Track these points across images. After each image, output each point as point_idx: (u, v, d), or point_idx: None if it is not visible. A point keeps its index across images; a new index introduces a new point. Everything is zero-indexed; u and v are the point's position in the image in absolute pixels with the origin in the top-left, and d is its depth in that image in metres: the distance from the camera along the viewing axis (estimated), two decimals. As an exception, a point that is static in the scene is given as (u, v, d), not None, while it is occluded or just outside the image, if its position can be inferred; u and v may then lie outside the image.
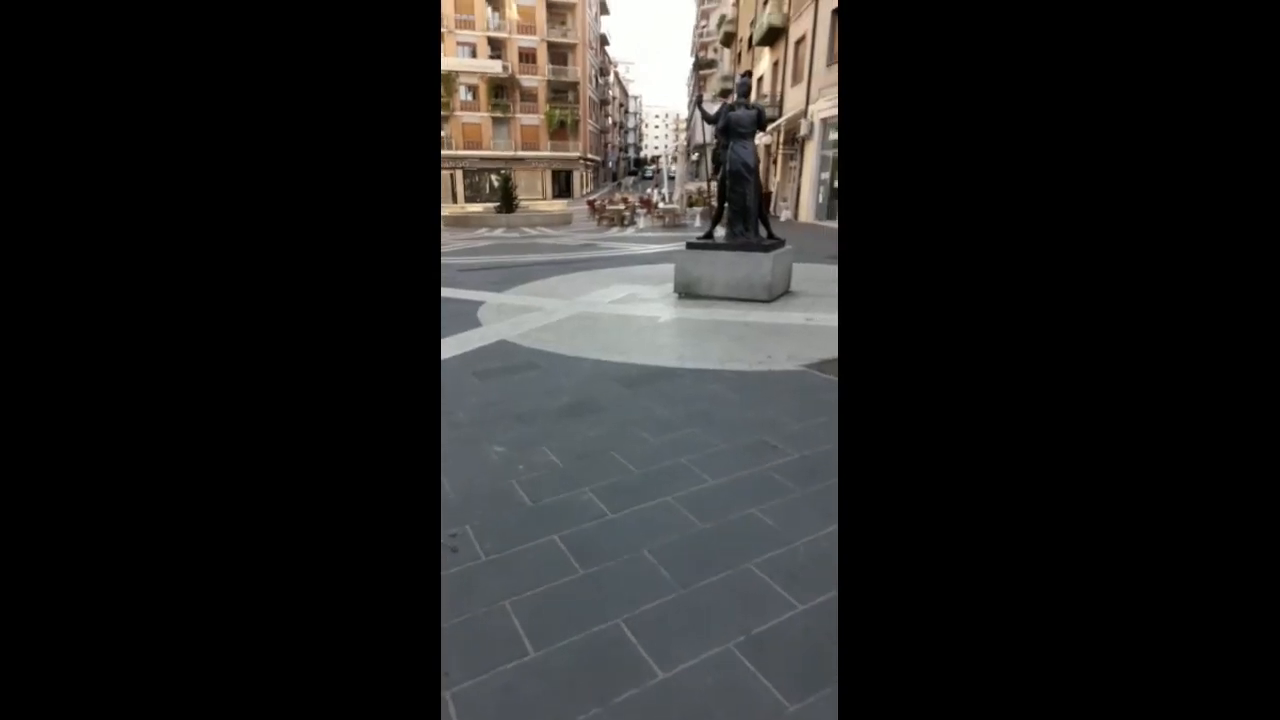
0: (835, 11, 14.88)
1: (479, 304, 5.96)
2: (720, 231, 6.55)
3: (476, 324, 5.12)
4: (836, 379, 3.50)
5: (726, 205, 6.34)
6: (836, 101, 14.50)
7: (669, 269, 7.82)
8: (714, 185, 7.27)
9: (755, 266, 5.91)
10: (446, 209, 26.97)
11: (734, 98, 6.31)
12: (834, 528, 1.98)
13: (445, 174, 35.14)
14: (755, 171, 6.27)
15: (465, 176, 35.15)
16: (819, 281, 6.89)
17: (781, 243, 6.33)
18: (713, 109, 6.67)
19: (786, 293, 6.32)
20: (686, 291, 6.21)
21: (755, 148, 6.33)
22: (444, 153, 34.75)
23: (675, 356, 4.06)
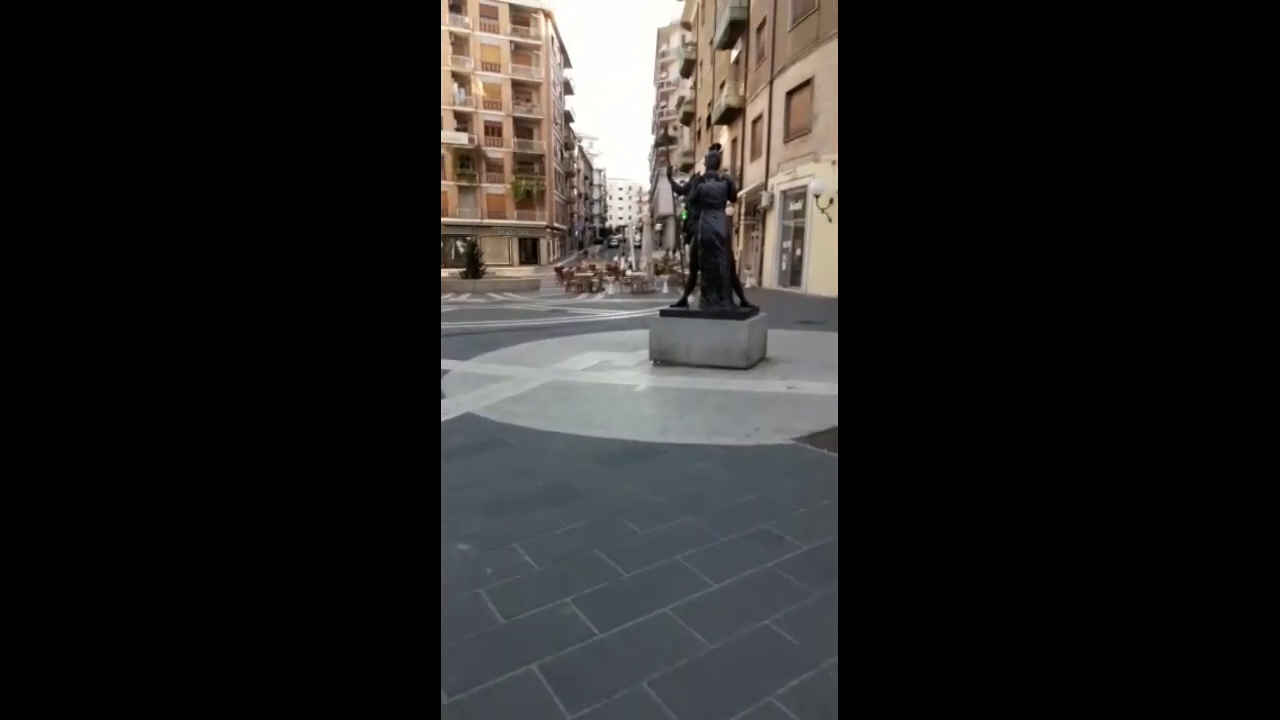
0: (789, 93, 15.76)
1: (443, 374, 5.63)
2: (694, 299, 6.46)
3: (440, 395, 4.78)
4: (830, 453, 3.28)
5: (700, 273, 6.28)
6: (794, 175, 15.14)
7: (642, 335, 7.69)
8: (685, 254, 7.25)
9: (732, 334, 5.79)
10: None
11: (704, 169, 6.37)
12: (864, 643, 1.69)
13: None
14: (727, 241, 6.26)
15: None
16: (793, 347, 6.80)
17: (756, 310, 6.27)
18: (683, 180, 6.74)
19: (763, 359, 6.20)
20: (662, 359, 6.02)
21: (727, 218, 6.34)
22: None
23: (657, 430, 3.79)
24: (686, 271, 6.66)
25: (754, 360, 5.93)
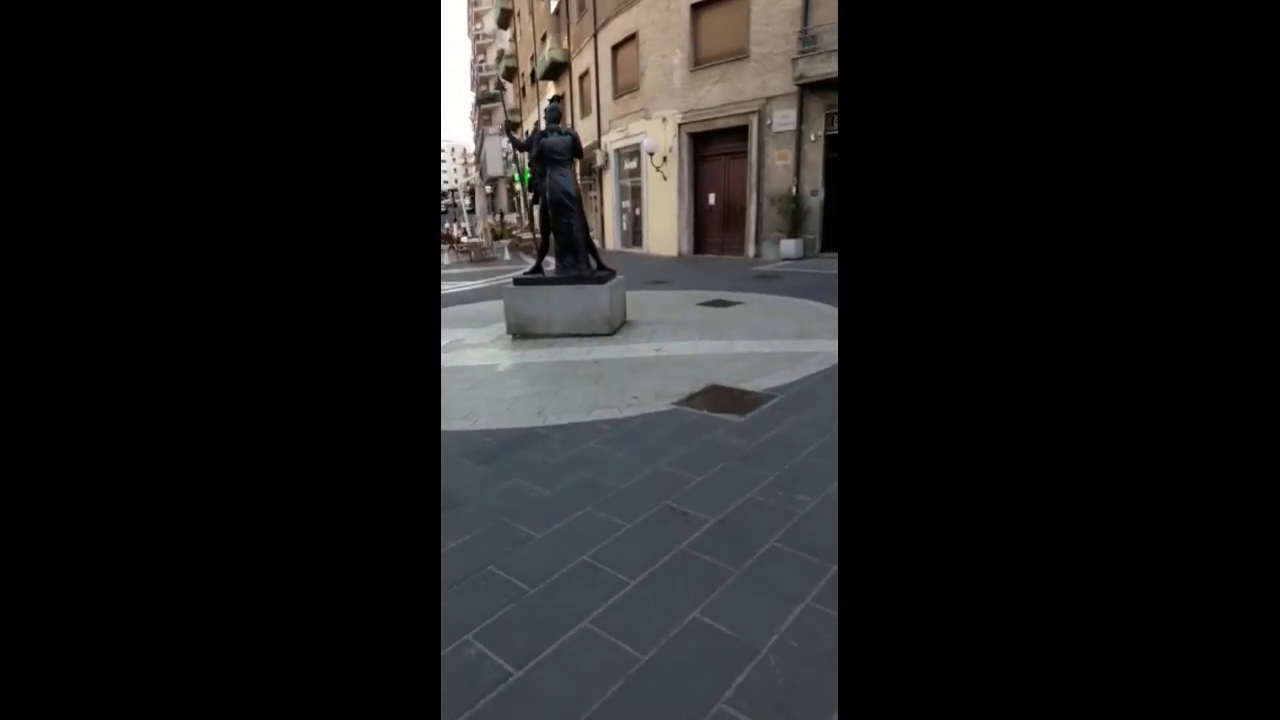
0: (614, 47, 15.48)
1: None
2: (549, 265, 6.13)
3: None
4: (711, 414, 3.26)
5: (552, 237, 5.94)
6: (626, 133, 15.05)
7: (491, 307, 7.23)
8: (534, 217, 6.85)
9: (593, 299, 5.59)
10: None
11: (544, 124, 5.96)
12: (797, 616, 1.63)
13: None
14: (578, 200, 5.97)
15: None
16: (649, 309, 6.78)
17: (613, 273, 6.10)
18: (523, 136, 6.26)
19: (625, 323, 6.09)
20: (521, 332, 5.66)
21: (574, 175, 6.03)
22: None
23: (533, 412, 3.50)
24: (536, 236, 6.26)
25: (616, 325, 5.80)
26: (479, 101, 48.19)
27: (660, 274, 10.04)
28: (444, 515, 2.31)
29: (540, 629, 1.64)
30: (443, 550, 2.07)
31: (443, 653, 1.57)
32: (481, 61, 47.75)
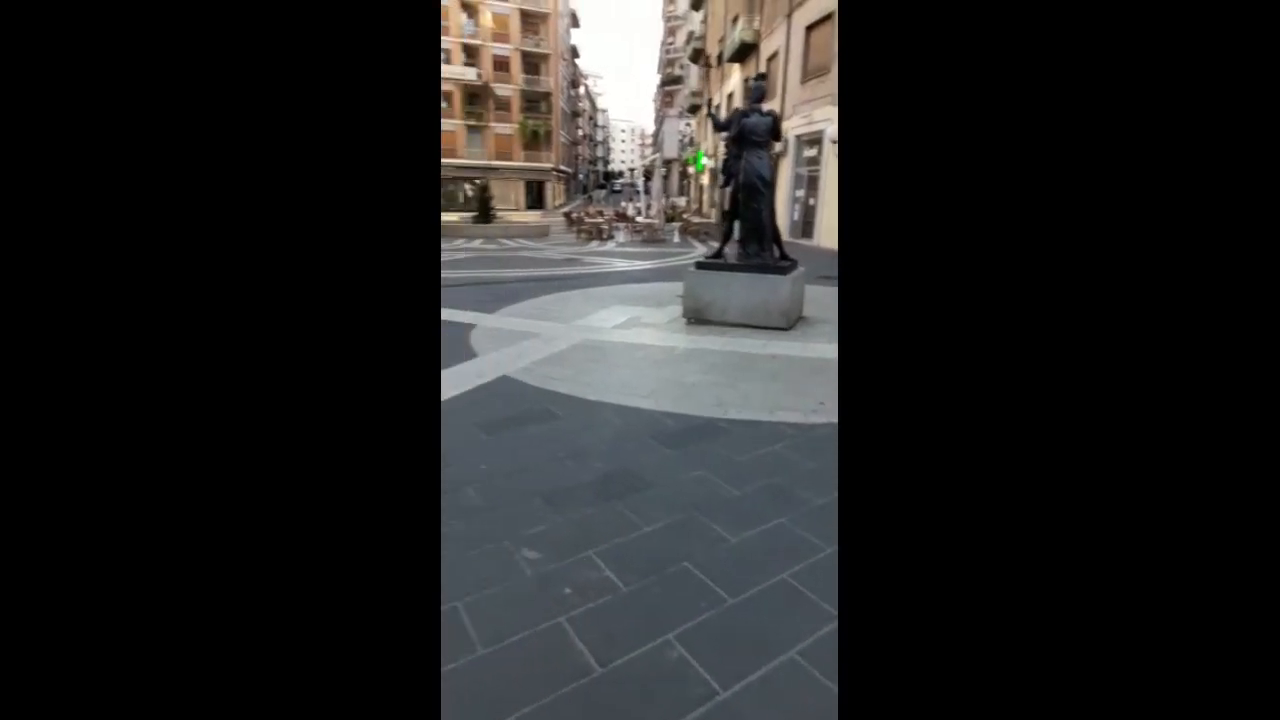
0: (809, 28, 14.65)
1: (470, 327, 5.24)
2: (730, 250, 5.98)
3: (471, 354, 4.40)
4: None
5: (737, 222, 5.78)
6: (809, 119, 14.24)
7: (665, 288, 7.28)
8: (723, 198, 6.71)
9: (772, 290, 5.36)
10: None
11: (747, 103, 5.76)
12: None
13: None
14: (771, 185, 5.74)
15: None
16: (824, 306, 6.36)
17: (795, 264, 5.79)
18: (722, 115, 6.14)
19: (801, 318, 5.78)
20: (696, 317, 5.61)
21: (771, 158, 5.79)
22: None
23: (713, 402, 3.42)
24: (713, 220, 6.13)
25: (793, 320, 5.52)
26: (663, 83, 48.97)
27: (831, 268, 9.44)
28: (633, 496, 2.31)
29: (743, 645, 1.54)
30: (633, 534, 2.06)
31: (640, 650, 1.54)
32: (670, 43, 48.20)
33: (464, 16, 34.36)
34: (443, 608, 1.65)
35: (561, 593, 1.75)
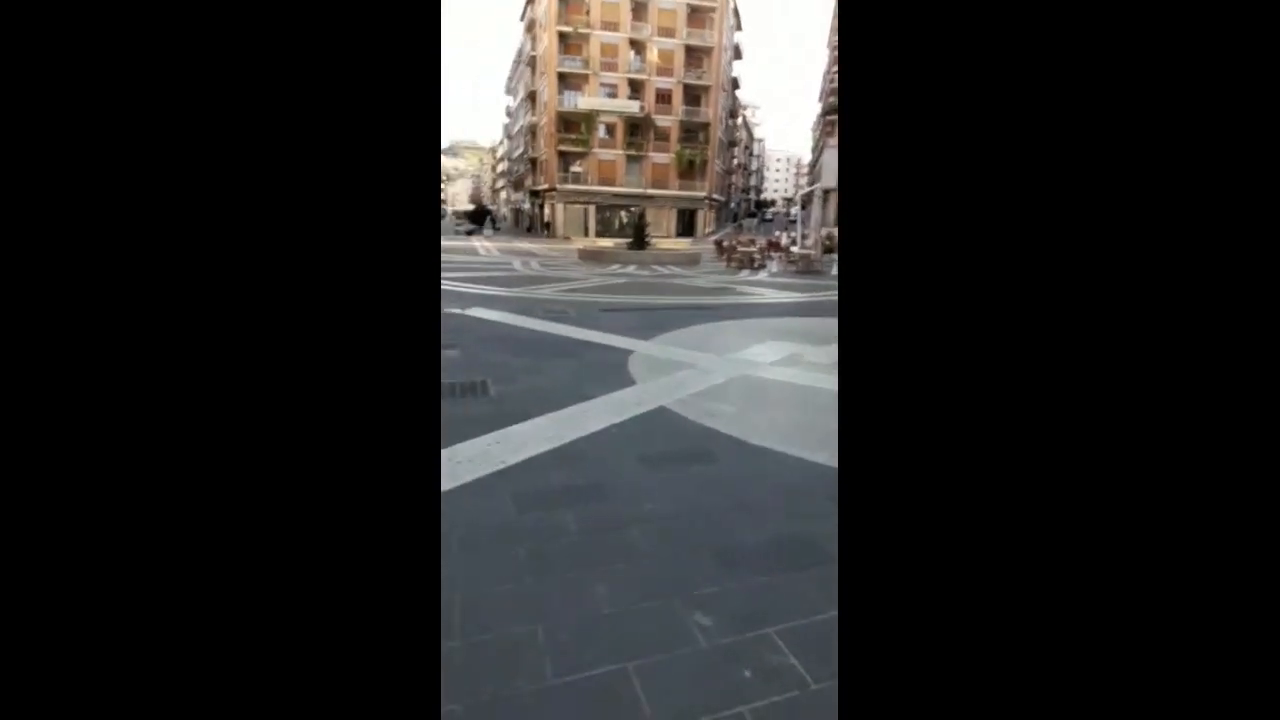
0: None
1: (627, 353, 5.28)
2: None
3: (629, 380, 4.40)
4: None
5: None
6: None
7: (825, 324, 6.86)
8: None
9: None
10: (581, 242, 27.57)
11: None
12: None
13: (578, 208, 36.25)
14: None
15: (598, 212, 36.03)
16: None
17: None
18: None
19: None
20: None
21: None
22: (579, 188, 35.99)
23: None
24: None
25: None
26: (824, 113, 47.74)
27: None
28: (815, 569, 2.05)
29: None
30: (818, 617, 1.80)
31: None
32: (834, 73, 46.96)
33: (632, 53, 36.32)
34: (614, 667, 1.53)
35: (740, 676, 1.55)
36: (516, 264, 16.03)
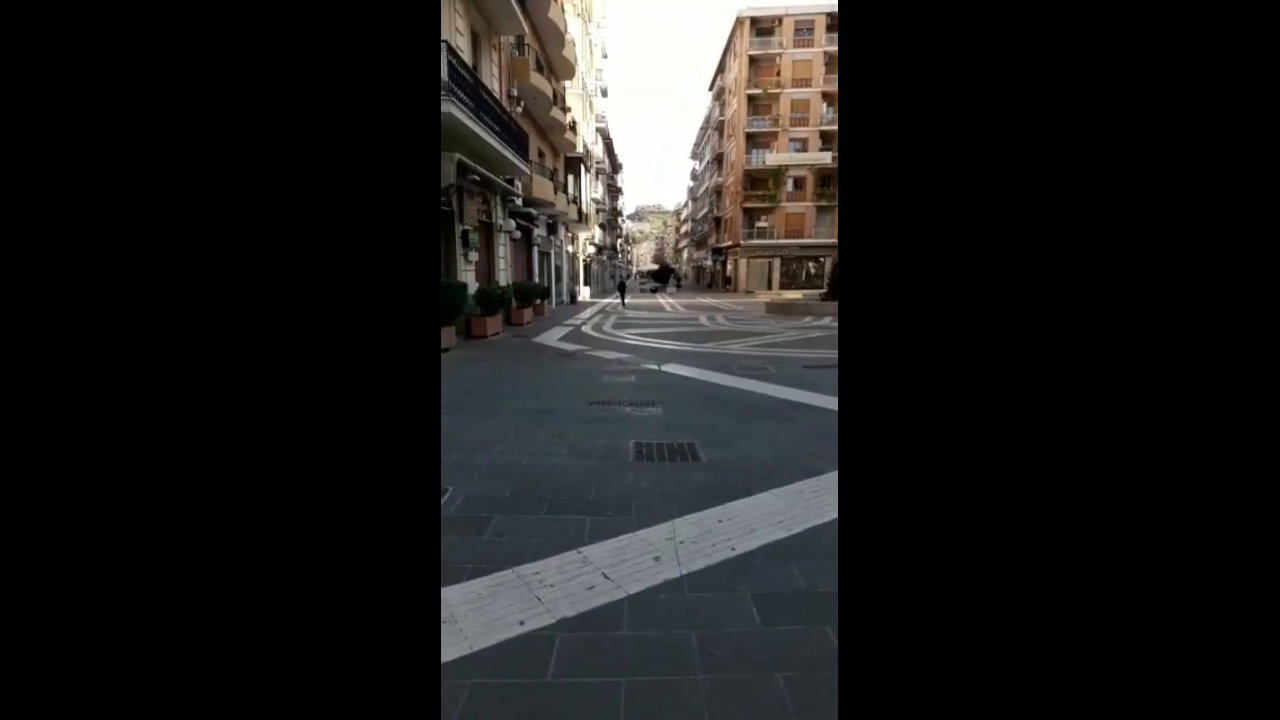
0: None
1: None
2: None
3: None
4: None
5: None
6: None
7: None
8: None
9: None
10: (765, 296, 27.22)
11: None
12: None
13: (761, 262, 36.06)
14: None
15: (782, 264, 35.49)
16: None
17: None
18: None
19: None
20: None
21: None
22: (762, 242, 35.89)
23: None
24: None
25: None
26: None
27: None
28: None
29: None
30: None
31: None
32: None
33: (824, 106, 35.90)
34: None
35: None
36: (703, 319, 16.05)
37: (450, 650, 1.80)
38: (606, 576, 2.25)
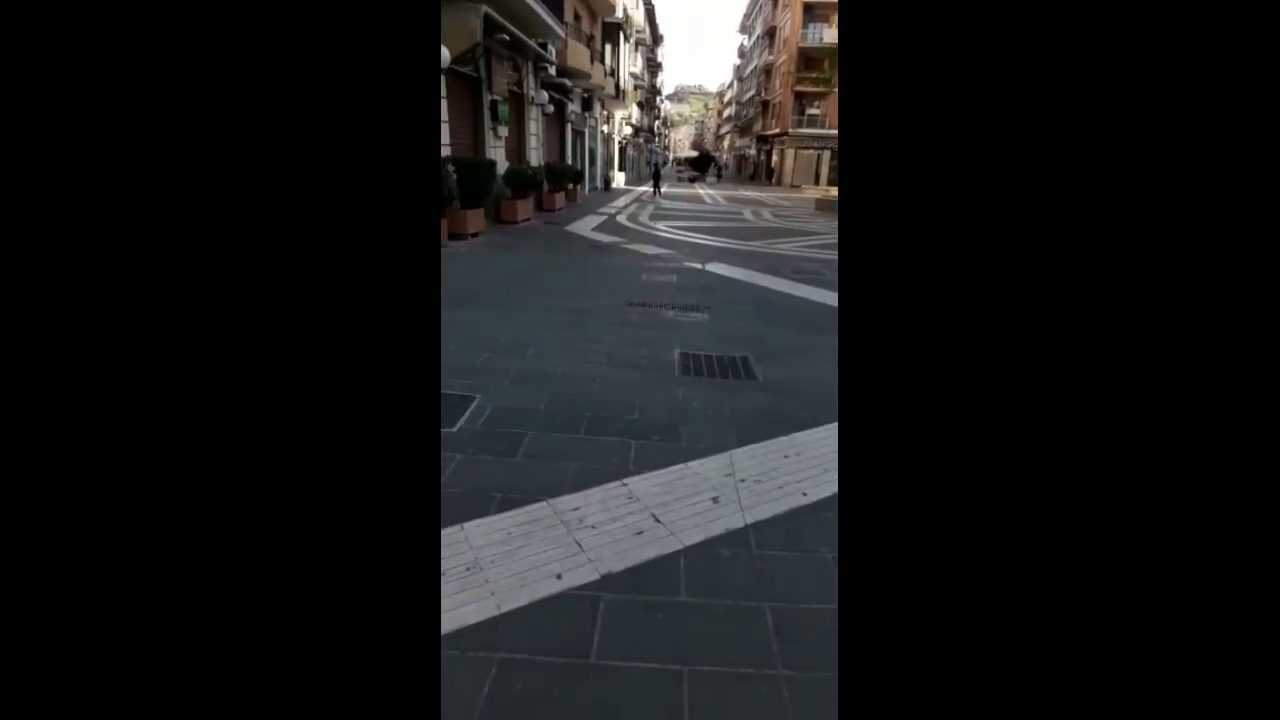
0: None
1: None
2: None
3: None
4: None
5: None
6: None
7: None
8: None
9: None
10: (813, 191, 25.55)
11: None
12: None
13: (810, 154, 33.59)
14: None
15: (832, 158, 32.95)
16: None
17: None
18: None
19: None
20: None
21: None
22: (813, 131, 33.18)
23: None
24: None
25: None
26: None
27: None
28: None
29: None
30: None
31: None
32: None
33: None
34: None
35: None
36: (747, 214, 15.04)
37: (474, 610, 1.51)
38: (657, 519, 1.92)
